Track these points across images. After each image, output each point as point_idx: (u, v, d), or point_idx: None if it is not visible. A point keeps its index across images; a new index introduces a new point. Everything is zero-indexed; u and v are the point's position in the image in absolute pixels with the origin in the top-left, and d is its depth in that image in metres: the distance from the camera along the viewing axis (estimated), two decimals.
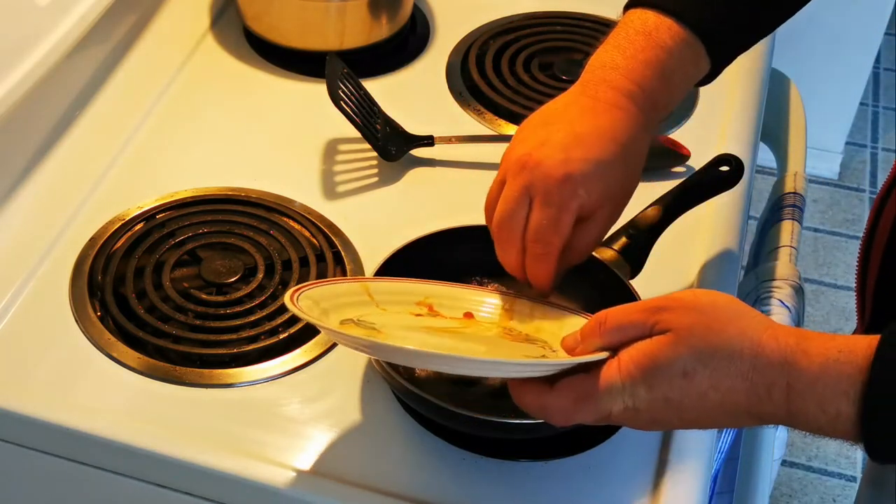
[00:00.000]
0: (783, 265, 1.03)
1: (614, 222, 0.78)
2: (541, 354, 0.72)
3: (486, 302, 0.80)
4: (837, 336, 0.61)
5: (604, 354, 0.64)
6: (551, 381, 0.65)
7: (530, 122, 0.77)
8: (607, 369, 0.63)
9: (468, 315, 0.79)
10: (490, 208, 0.76)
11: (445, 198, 0.98)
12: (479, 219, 0.84)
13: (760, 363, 0.61)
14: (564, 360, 0.66)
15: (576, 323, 0.76)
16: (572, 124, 0.74)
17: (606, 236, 0.81)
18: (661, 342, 0.62)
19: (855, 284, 0.91)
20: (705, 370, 0.61)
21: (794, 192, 1.12)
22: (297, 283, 0.87)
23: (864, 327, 0.92)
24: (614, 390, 0.63)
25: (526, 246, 0.74)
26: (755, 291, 1.01)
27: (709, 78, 0.81)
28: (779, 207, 1.11)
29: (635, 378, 0.62)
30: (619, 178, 0.75)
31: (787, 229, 1.08)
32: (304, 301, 0.71)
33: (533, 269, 0.75)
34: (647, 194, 0.91)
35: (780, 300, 0.98)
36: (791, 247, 1.06)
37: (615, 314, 0.65)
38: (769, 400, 0.61)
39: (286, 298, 0.69)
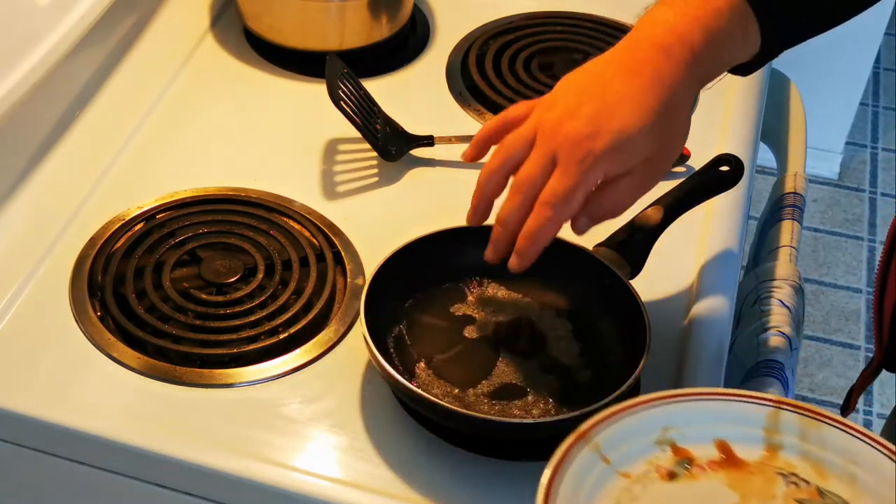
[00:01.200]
0: (783, 265, 1.03)
1: (655, 180, 0.78)
2: None
3: (736, 418, 0.69)
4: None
5: None
6: None
7: (571, 82, 0.77)
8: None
9: (724, 449, 0.68)
10: (488, 135, 0.81)
11: (445, 198, 0.98)
12: None
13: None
14: None
15: (885, 466, 0.65)
16: (605, 91, 0.74)
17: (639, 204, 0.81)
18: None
19: (872, 309, 0.91)
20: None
21: (794, 192, 1.12)
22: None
23: (882, 352, 0.92)
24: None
25: (534, 207, 0.74)
26: (755, 291, 1.01)
27: (755, 63, 0.80)
28: (779, 207, 1.11)
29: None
30: (650, 142, 0.75)
31: (787, 229, 1.08)
32: None
33: (529, 231, 0.75)
34: (647, 194, 0.91)
35: (780, 300, 0.98)
36: (791, 247, 1.06)
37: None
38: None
39: None
